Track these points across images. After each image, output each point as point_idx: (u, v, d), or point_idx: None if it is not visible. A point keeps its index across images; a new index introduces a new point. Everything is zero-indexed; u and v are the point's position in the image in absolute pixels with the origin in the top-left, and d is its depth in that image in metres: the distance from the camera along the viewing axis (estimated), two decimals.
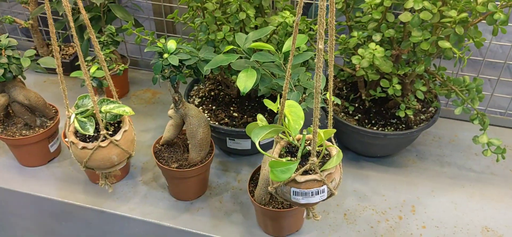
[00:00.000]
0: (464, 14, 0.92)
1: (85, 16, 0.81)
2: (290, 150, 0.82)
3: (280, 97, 0.94)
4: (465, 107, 1.06)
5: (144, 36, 1.25)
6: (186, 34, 1.60)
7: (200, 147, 1.06)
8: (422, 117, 1.18)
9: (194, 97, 1.29)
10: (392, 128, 1.16)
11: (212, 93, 1.29)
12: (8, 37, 1.12)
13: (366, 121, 1.19)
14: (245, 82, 0.84)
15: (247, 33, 1.06)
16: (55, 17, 1.72)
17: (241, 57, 0.90)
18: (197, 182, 1.11)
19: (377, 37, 1.05)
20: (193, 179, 1.09)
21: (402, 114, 1.09)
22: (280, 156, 0.80)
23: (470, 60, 1.26)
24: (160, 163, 1.07)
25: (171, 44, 0.95)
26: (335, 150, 0.78)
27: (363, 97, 1.17)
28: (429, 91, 1.20)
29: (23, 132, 1.18)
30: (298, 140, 0.81)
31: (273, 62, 0.87)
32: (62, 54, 1.69)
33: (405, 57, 1.10)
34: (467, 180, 1.18)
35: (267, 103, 0.77)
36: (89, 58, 1.24)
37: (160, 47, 0.94)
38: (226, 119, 1.19)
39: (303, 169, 0.73)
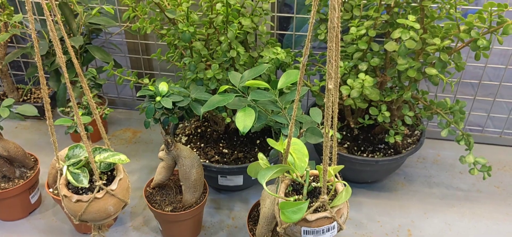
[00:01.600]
0: (447, 41, 0.96)
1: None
2: (294, 188, 0.81)
3: (279, 135, 0.94)
4: (450, 129, 1.10)
5: (127, 77, 1.22)
6: (164, 70, 1.58)
7: (194, 188, 1.04)
8: (409, 140, 1.21)
9: (180, 135, 1.26)
10: (381, 154, 1.18)
11: (199, 130, 1.27)
12: None
13: (355, 148, 1.21)
14: (243, 121, 0.83)
15: (236, 69, 1.05)
16: (26, 60, 1.66)
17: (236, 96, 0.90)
18: (192, 223, 1.08)
19: (363, 66, 1.07)
20: (188, 221, 1.06)
21: (391, 140, 1.11)
22: (286, 195, 0.79)
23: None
24: (153, 207, 1.03)
25: (163, 87, 0.93)
26: (340, 185, 0.78)
27: (352, 125, 1.19)
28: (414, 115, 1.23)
29: (2, 185, 1.11)
30: (301, 177, 0.81)
31: (270, 100, 0.87)
32: (34, 98, 1.62)
33: (390, 84, 1.13)
34: (456, 200, 1.21)
35: (271, 142, 0.76)
36: (71, 103, 1.19)
37: (152, 90, 0.92)
38: (216, 157, 1.17)
39: (313, 207, 0.73)
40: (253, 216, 1.03)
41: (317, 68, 1.23)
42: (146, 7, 1.04)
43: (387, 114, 1.08)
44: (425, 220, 1.15)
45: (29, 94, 1.64)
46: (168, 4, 1.05)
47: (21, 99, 1.60)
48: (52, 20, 0.76)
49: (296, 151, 0.77)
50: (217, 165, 1.12)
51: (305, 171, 0.78)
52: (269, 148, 1.20)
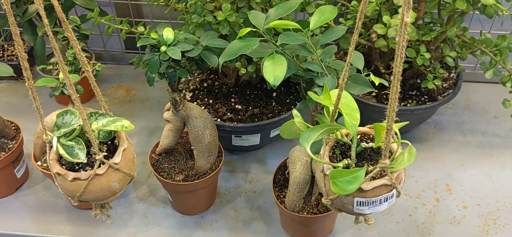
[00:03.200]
0: None
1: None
2: (340, 150, 0.67)
3: (308, 86, 0.79)
4: (495, 69, 0.96)
5: (116, 25, 1.04)
6: (157, 17, 1.39)
7: (209, 152, 0.89)
8: (445, 85, 1.08)
9: (184, 91, 1.10)
10: (414, 102, 1.05)
11: (205, 84, 1.11)
12: None
13: (384, 96, 1.07)
14: (273, 72, 0.68)
15: (251, 8, 0.88)
16: None
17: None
18: (207, 192, 0.94)
19: (399, 0, 0.91)
20: (203, 190, 0.92)
21: (430, 86, 0.98)
22: (330, 159, 0.65)
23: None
24: (162, 176, 0.89)
25: (168, 34, 0.76)
26: (396, 144, 0.64)
27: (382, 71, 1.04)
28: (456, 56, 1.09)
29: None
30: (346, 136, 0.67)
31: (301, 43, 0.71)
32: (8, 56, 1.42)
33: (428, 20, 0.98)
34: (494, 148, 1.09)
35: (314, 96, 0.61)
36: (53, 59, 1.01)
37: (155, 39, 0.75)
38: (228, 114, 1.02)
39: (371, 174, 0.59)
40: (278, 181, 0.90)
41: (339, 7, 1.06)
42: None
43: (427, 55, 0.93)
44: (463, 172, 1.03)
45: (1, 52, 1.44)
46: None
47: None
48: None
49: (344, 105, 0.62)
50: (231, 124, 0.98)
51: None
52: (288, 101, 1.05)
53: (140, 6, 1.41)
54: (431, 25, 1.01)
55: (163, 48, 0.74)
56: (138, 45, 0.76)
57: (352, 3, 1.00)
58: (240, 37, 0.72)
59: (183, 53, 0.75)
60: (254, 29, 0.73)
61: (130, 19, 1.39)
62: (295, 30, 0.73)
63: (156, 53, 0.75)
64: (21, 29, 1.22)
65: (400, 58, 0.48)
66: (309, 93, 0.63)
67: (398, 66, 0.50)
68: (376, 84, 0.72)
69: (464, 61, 1.02)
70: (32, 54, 1.37)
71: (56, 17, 1.20)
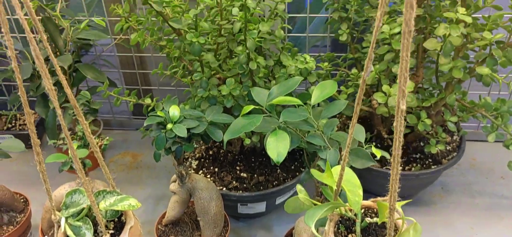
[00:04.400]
0: (500, 35, 0.83)
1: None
2: (344, 225, 0.67)
3: (311, 157, 0.81)
4: (497, 132, 0.97)
5: (124, 97, 1.08)
6: (163, 85, 1.43)
7: (215, 223, 0.89)
8: (448, 147, 1.08)
9: (190, 159, 1.12)
10: (418, 165, 1.05)
11: (211, 152, 1.13)
12: None
13: (388, 160, 1.07)
14: (276, 148, 0.69)
15: (254, 83, 0.91)
16: (8, 83, 1.50)
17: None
18: None
19: (397, 69, 0.94)
20: None
21: (433, 150, 0.99)
22: (335, 235, 0.65)
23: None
24: None
25: (174, 111, 0.78)
26: (401, 220, 0.64)
27: (384, 135, 1.05)
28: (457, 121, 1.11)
29: None
30: (351, 210, 0.67)
31: (304, 119, 0.73)
32: (20, 125, 1.46)
33: (427, 86, 1.01)
34: (503, 210, 1.08)
35: (317, 174, 0.62)
36: (62, 135, 1.04)
37: (161, 117, 0.77)
38: (234, 182, 1.02)
39: None
40: None
41: (340, 73, 1.10)
42: (145, 17, 0.89)
43: (428, 121, 0.95)
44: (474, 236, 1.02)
45: (14, 121, 1.48)
46: (170, 13, 0.90)
47: (5, 127, 1.44)
48: (35, 38, 0.61)
49: (346, 182, 0.63)
50: (236, 193, 0.98)
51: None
52: (293, 167, 1.06)
53: (148, 74, 1.46)
54: (431, 89, 1.04)
55: (169, 126, 0.77)
56: (145, 124, 0.78)
57: (353, 71, 1.03)
58: (244, 114, 0.74)
59: (188, 130, 0.78)
60: (257, 107, 0.75)
61: (138, 87, 1.45)
62: (298, 105, 0.75)
63: (162, 130, 0.77)
64: (34, 99, 1.26)
65: (397, 152, 0.50)
66: (312, 171, 0.64)
67: (396, 158, 0.51)
68: (378, 157, 0.73)
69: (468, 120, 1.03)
70: (42, 123, 1.41)
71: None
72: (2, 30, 0.56)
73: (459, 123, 1.12)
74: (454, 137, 1.11)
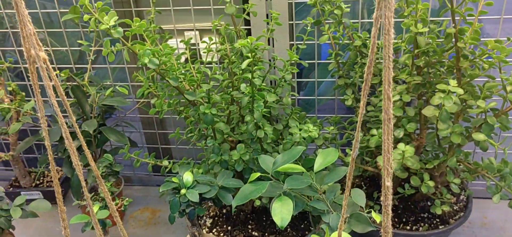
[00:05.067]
0: (493, 103, 0.88)
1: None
2: None
3: (317, 219, 0.85)
4: (502, 193, 1.00)
5: (144, 159, 1.15)
6: (181, 143, 1.51)
7: None
8: (455, 207, 1.11)
9: (205, 218, 1.17)
10: (426, 225, 1.08)
11: (224, 211, 1.18)
12: None
13: (396, 220, 1.10)
14: (281, 213, 0.74)
15: (263, 149, 0.98)
16: (39, 142, 1.60)
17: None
18: None
19: (399, 133, 0.99)
20: None
21: (438, 211, 1.01)
22: None
23: None
24: None
25: (188, 177, 0.85)
26: None
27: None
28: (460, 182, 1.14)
29: None
30: None
31: (307, 185, 0.79)
32: (47, 182, 1.55)
33: (429, 149, 1.05)
34: None
35: None
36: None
37: (176, 183, 0.84)
38: None
39: None
40: None
41: (346, 136, 1.15)
42: (162, 90, 0.98)
43: (431, 184, 0.99)
44: None
45: (42, 178, 1.58)
46: (186, 85, 0.99)
47: (33, 184, 1.53)
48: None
49: None
50: None
51: None
52: (303, 226, 1.10)
53: (167, 133, 1.55)
54: (435, 151, 1.08)
55: (183, 191, 0.83)
56: (161, 189, 0.85)
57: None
58: (251, 181, 0.80)
59: (201, 194, 0.84)
60: (263, 174, 0.81)
61: (157, 146, 1.53)
62: (302, 172, 0.81)
63: (177, 195, 0.84)
64: (62, 157, 1.35)
65: (387, 224, 0.55)
66: (313, 236, 0.68)
67: (386, 221, 0.56)
68: (377, 221, 0.77)
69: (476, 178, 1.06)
70: (68, 180, 1.49)
71: (92, 151, 1.34)
72: (35, 98, 0.65)
73: (466, 182, 1.15)
74: (461, 197, 1.14)
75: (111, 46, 0.83)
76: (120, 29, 0.77)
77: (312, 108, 1.35)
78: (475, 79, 0.94)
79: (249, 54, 0.80)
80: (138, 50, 0.81)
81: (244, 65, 0.78)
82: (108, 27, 0.75)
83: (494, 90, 0.91)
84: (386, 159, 0.53)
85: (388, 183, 0.54)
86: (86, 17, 0.76)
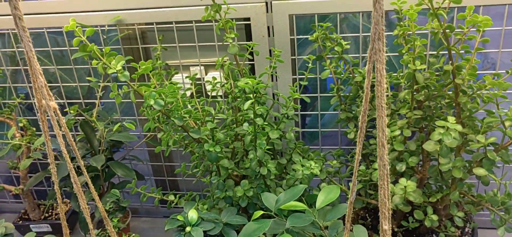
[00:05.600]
0: (493, 138, 0.89)
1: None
2: None
3: None
4: (506, 226, 1.00)
5: (151, 193, 1.17)
6: (188, 176, 1.53)
7: None
8: None
9: None
10: None
11: None
12: (3, 222, 1.02)
13: None
14: None
15: (267, 185, 0.99)
16: (48, 175, 1.63)
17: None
18: None
19: (401, 167, 1.00)
20: None
21: None
22: None
23: None
24: None
25: (192, 214, 0.87)
26: None
27: (395, 229, 1.09)
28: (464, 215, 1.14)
29: None
30: None
31: (310, 223, 0.80)
32: (55, 214, 1.57)
33: (432, 182, 1.06)
34: None
35: None
36: (96, 231, 1.14)
37: (181, 221, 0.86)
38: None
39: None
40: None
41: (350, 169, 1.17)
42: (167, 129, 1.01)
43: (435, 217, 0.99)
44: None
45: (50, 210, 1.60)
46: (192, 122, 1.01)
47: (42, 217, 1.56)
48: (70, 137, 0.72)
49: None
50: None
51: None
52: None
53: (174, 166, 1.57)
54: (439, 184, 1.08)
55: (188, 229, 0.85)
56: (166, 228, 0.86)
57: (361, 167, 1.09)
58: (254, 219, 0.81)
59: (205, 232, 0.85)
60: (266, 212, 0.82)
61: (164, 178, 1.55)
62: (304, 209, 0.83)
63: (182, 233, 0.85)
64: (70, 191, 1.38)
65: None
66: None
67: None
68: None
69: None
70: (76, 213, 1.51)
71: (99, 184, 1.37)
72: (44, 137, 0.68)
73: (470, 215, 1.15)
74: (466, 229, 1.14)
75: (118, 89, 0.86)
76: (127, 73, 0.80)
77: (316, 139, 1.36)
78: (477, 112, 0.96)
79: (251, 95, 0.82)
80: (144, 92, 0.84)
81: (246, 105, 0.80)
82: (115, 71, 0.78)
83: (494, 124, 0.92)
84: (383, 204, 0.55)
85: (385, 226, 0.55)
86: (94, 62, 0.80)
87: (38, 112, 0.64)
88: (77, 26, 0.79)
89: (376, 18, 0.46)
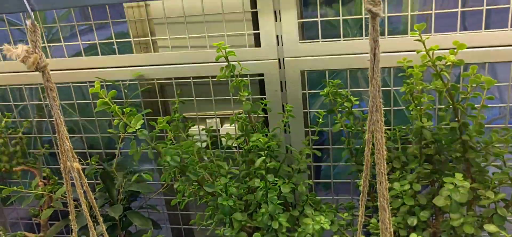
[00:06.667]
0: (502, 195, 0.90)
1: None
2: None
3: None
4: None
5: None
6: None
7: None
8: None
9: None
10: None
11: None
12: None
13: None
14: None
15: None
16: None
17: None
18: None
19: (413, 221, 1.01)
20: None
21: None
22: None
23: None
24: None
25: None
26: None
27: None
28: None
29: None
30: None
31: None
32: None
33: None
34: None
35: None
36: None
37: None
38: None
39: None
40: None
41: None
42: (182, 183, 1.05)
43: None
44: None
45: None
46: (206, 176, 1.05)
47: None
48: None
49: None
50: None
51: None
52: None
53: (189, 215, 1.60)
54: None
55: None
56: None
57: (372, 220, 1.10)
58: None
59: None
60: None
61: (180, 226, 1.58)
62: None
63: None
64: None
65: None
66: None
67: None
68: None
69: None
70: None
71: (116, 234, 1.40)
72: (67, 195, 0.72)
73: None
74: None
75: (136, 146, 0.92)
76: (146, 132, 0.85)
77: (328, 189, 1.38)
78: (488, 166, 0.97)
79: (262, 152, 0.86)
80: (161, 149, 0.89)
81: (257, 163, 0.84)
82: (135, 130, 0.83)
83: (504, 180, 0.93)
84: None
85: None
86: (115, 121, 0.85)
87: (63, 172, 0.69)
88: (101, 88, 0.85)
89: (373, 93, 0.50)
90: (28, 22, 0.53)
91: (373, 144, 0.55)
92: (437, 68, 0.88)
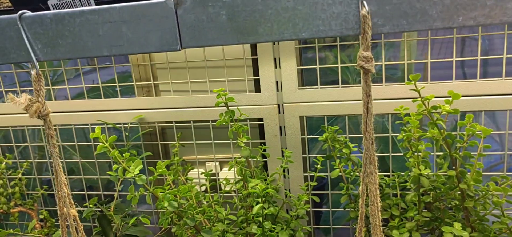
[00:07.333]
0: None
1: None
2: None
3: None
4: None
5: None
6: None
7: None
8: None
9: None
10: None
11: None
12: None
13: None
14: None
15: None
16: None
17: None
18: None
19: None
20: None
21: None
22: None
23: None
24: None
25: None
26: None
27: None
28: None
29: None
30: None
31: None
32: None
33: None
34: None
35: None
36: None
37: None
38: None
39: None
40: None
41: None
42: (179, 230, 1.04)
43: None
44: None
45: None
46: (204, 221, 1.05)
47: None
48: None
49: None
50: None
51: None
52: None
53: None
54: None
55: None
56: None
57: None
58: None
59: None
60: None
61: None
62: None
63: None
64: None
65: None
66: None
67: None
68: None
69: None
70: None
71: None
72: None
73: None
74: None
75: (135, 190, 0.92)
76: (144, 177, 0.86)
77: (328, 235, 1.36)
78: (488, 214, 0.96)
79: (260, 199, 0.86)
80: (159, 193, 0.89)
81: (255, 210, 0.84)
82: (133, 175, 0.84)
83: (504, 230, 0.92)
84: None
85: None
86: (114, 166, 0.86)
87: (59, 218, 0.69)
88: (102, 132, 0.86)
89: (366, 145, 0.51)
90: (33, 72, 0.54)
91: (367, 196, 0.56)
92: (432, 117, 0.89)
